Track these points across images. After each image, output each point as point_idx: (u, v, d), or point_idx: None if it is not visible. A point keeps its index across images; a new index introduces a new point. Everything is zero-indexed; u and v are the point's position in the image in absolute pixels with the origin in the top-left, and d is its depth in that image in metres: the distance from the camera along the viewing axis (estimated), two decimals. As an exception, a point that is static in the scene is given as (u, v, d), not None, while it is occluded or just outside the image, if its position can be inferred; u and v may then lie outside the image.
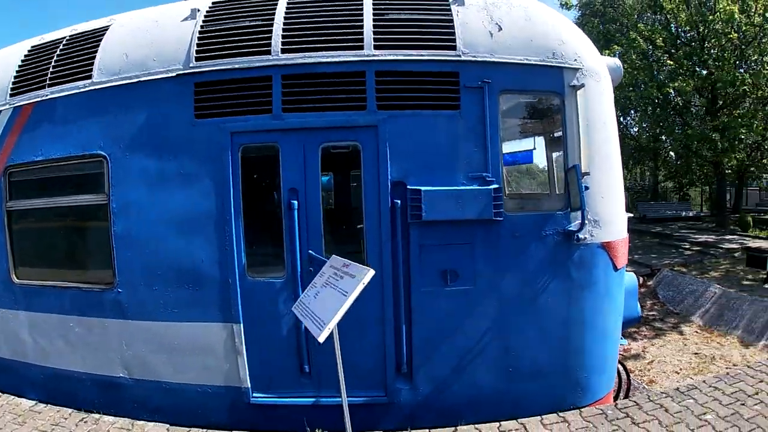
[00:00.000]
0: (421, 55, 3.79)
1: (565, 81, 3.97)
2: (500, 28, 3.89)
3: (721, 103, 18.00)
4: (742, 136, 16.38)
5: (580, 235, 3.93)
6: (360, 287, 3.01)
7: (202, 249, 3.89)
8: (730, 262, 13.91)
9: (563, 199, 4.07)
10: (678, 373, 8.09)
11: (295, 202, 3.84)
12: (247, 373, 3.93)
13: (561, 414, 3.76)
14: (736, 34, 15.93)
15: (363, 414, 3.76)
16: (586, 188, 3.80)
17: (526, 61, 3.89)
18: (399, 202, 3.81)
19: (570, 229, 3.95)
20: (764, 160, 20.15)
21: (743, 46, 16.52)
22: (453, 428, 3.56)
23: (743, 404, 3.73)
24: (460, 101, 3.82)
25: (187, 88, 3.89)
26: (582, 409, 3.89)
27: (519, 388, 4.00)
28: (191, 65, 3.89)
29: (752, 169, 21.61)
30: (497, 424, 3.61)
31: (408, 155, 3.82)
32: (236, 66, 3.85)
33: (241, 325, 3.89)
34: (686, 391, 4.01)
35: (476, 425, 3.60)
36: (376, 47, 3.79)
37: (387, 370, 3.94)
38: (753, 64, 16.63)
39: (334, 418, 3.87)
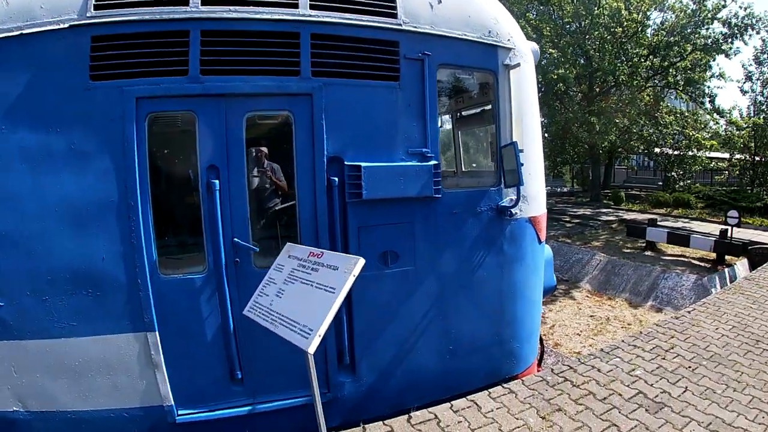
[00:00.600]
0: (361, 20, 3.48)
1: (499, 59, 3.99)
2: (440, 1, 3.74)
3: (597, 90, 20.11)
4: (617, 121, 18.52)
5: (513, 211, 3.99)
6: (350, 280, 2.65)
7: (101, 245, 3.16)
8: (608, 233, 15.74)
9: (495, 176, 4.09)
10: (579, 335, 8.88)
11: (216, 182, 3.30)
12: (169, 388, 3.34)
13: (506, 386, 3.82)
14: (620, 28, 17.85)
15: (302, 416, 3.45)
16: (521, 165, 3.82)
17: (464, 37, 3.81)
18: (336, 179, 3.50)
19: (503, 204, 3.99)
20: (632, 142, 23.05)
21: (623, 39, 18.58)
22: (407, 415, 3.41)
23: (663, 358, 4.14)
24: (399, 72, 3.61)
25: (82, 43, 3.09)
26: (524, 378, 4.02)
27: (460, 365, 3.99)
28: (89, 14, 3.09)
29: (620, 149, 24.67)
30: (449, 404, 3.54)
31: (345, 128, 3.51)
32: (145, 17, 3.15)
33: (156, 332, 3.27)
34: (610, 351, 4.34)
35: (429, 409, 3.49)
36: (312, 7, 3.37)
37: (328, 364, 3.66)
38: (632, 56, 18.81)
39: (274, 424, 3.53)
